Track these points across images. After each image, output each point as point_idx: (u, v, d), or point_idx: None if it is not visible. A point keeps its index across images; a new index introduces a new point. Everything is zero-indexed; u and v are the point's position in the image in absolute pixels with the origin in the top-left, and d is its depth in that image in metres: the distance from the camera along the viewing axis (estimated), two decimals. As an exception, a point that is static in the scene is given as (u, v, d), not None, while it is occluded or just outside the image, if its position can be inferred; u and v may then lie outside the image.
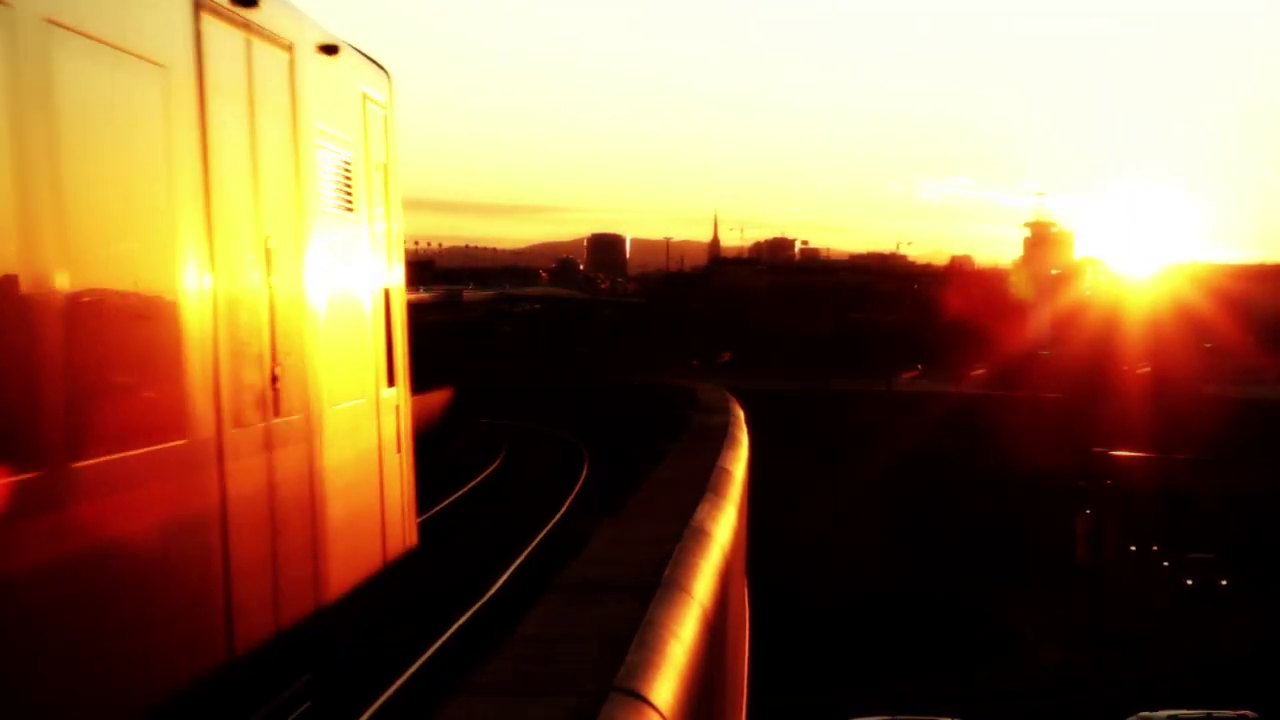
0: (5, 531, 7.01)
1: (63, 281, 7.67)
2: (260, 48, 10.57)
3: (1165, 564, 79.37)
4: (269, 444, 10.42)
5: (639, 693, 6.15)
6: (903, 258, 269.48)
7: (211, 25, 9.66)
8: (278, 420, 10.61)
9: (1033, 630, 67.05)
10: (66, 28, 7.80)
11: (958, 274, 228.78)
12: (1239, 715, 47.05)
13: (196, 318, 9.22)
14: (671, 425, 29.27)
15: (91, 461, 7.88)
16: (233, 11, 10.03)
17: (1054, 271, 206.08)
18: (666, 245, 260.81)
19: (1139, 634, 66.01)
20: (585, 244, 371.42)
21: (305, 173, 11.45)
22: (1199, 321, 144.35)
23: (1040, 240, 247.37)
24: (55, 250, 7.62)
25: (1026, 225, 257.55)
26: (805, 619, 61.68)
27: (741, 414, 28.44)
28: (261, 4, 10.45)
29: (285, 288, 10.82)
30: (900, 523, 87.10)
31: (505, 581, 24.38)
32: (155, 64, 8.88)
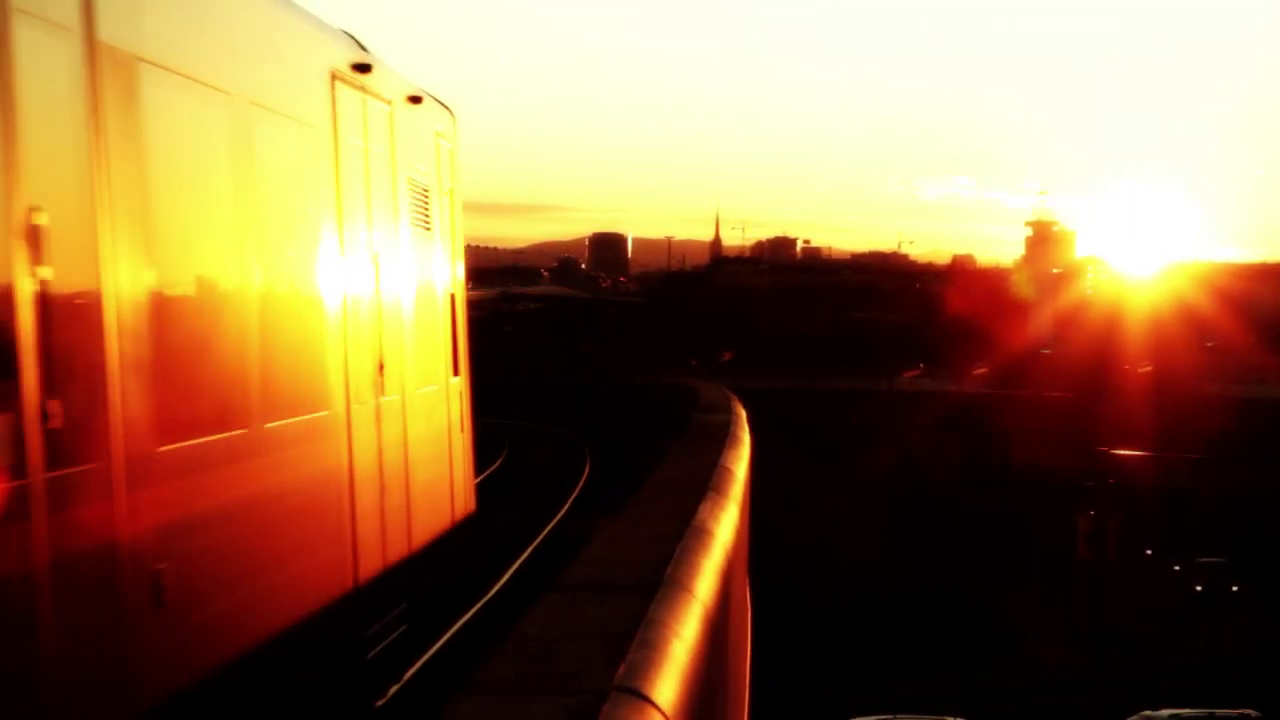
0: (225, 471, 9.58)
1: (260, 288, 10.23)
2: (371, 104, 13.14)
3: (1176, 568, 78.32)
4: (378, 418, 12.89)
5: (641, 691, 6.16)
6: (904, 257, 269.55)
7: (341, 90, 12.31)
8: (383, 399, 13.04)
9: (1034, 630, 67.09)
10: (264, 107, 10.50)
11: (959, 273, 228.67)
12: (1241, 714, 47.04)
13: (338, 315, 11.78)
14: (673, 424, 29.27)
15: (275, 424, 10.39)
16: (355, 78, 12.69)
17: (1055, 270, 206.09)
18: (668, 244, 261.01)
19: (1141, 633, 66.01)
20: (587, 243, 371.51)
21: (399, 200, 13.94)
22: (1201, 320, 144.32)
23: (1042, 239, 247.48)
24: (255, 262, 10.15)
25: (1028, 224, 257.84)
26: (807, 618, 61.68)
27: (743, 413, 28.42)
28: (378, 70, 13.22)
29: (388, 291, 13.30)
30: (902, 522, 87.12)
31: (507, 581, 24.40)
32: (310, 125, 11.60)
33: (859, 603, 67.68)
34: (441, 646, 15.00)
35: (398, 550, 13.31)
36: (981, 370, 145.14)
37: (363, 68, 12.88)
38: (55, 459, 7.16)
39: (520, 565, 19.63)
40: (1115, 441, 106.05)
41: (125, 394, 8.03)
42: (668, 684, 6.54)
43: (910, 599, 69.88)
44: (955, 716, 48.10)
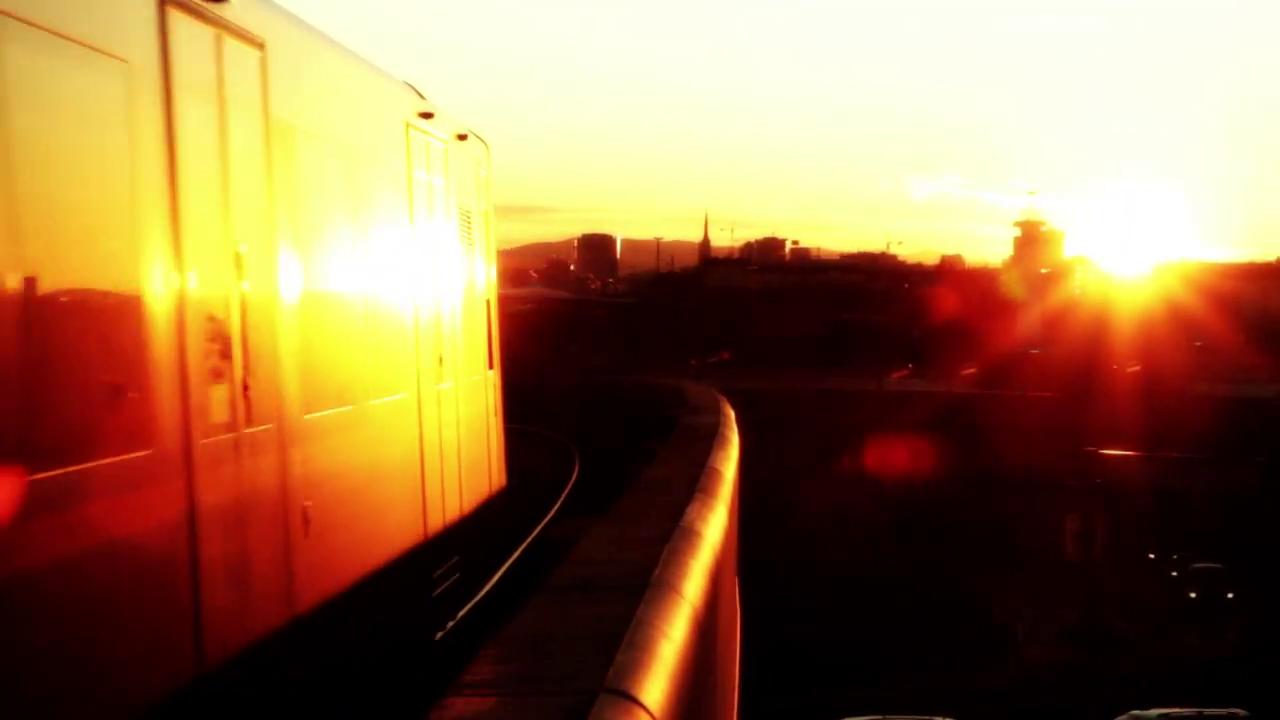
0: (343, 436, 12.22)
1: (366, 296, 13.11)
2: (432, 144, 15.89)
3: (1174, 574, 77.33)
4: (439, 402, 15.47)
5: (629, 693, 6.16)
6: (893, 257, 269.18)
7: (412, 135, 15.12)
8: (441, 387, 15.60)
9: (1024, 628, 67.16)
10: (365, 154, 13.62)
11: (948, 273, 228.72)
12: (1230, 714, 47.08)
13: (413, 316, 14.62)
14: (661, 425, 29.26)
15: (374, 402, 13.19)
16: (420, 124, 15.44)
17: (1044, 270, 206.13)
18: (657, 245, 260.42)
19: (1130, 633, 66.08)
20: (575, 244, 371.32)
21: (451, 221, 16.64)
22: (1189, 320, 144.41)
23: (1030, 239, 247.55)
24: (362, 275, 13.08)
25: (1016, 224, 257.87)
26: (797, 618, 61.71)
27: (731, 414, 28.43)
28: (437, 116, 16.11)
29: (444, 297, 16.01)
30: (891, 522, 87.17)
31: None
32: (392, 165, 14.41)
33: (848, 603, 67.72)
34: (482, 596, 17.88)
35: (453, 512, 15.96)
36: (970, 370, 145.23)
37: (427, 115, 15.76)
38: (250, 420, 9.57)
39: (510, 567, 20.18)
40: (1104, 441, 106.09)
41: (286, 374, 10.60)
42: (656, 685, 6.54)
43: (900, 599, 69.92)
44: (945, 716, 48.14)
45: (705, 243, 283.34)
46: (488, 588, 18.28)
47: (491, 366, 18.92)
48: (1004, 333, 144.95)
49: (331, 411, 11.65)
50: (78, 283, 7.23)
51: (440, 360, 15.60)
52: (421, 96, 15.88)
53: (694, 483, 13.96)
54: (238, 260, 9.47)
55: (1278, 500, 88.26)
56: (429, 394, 15.08)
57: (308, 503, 10.83)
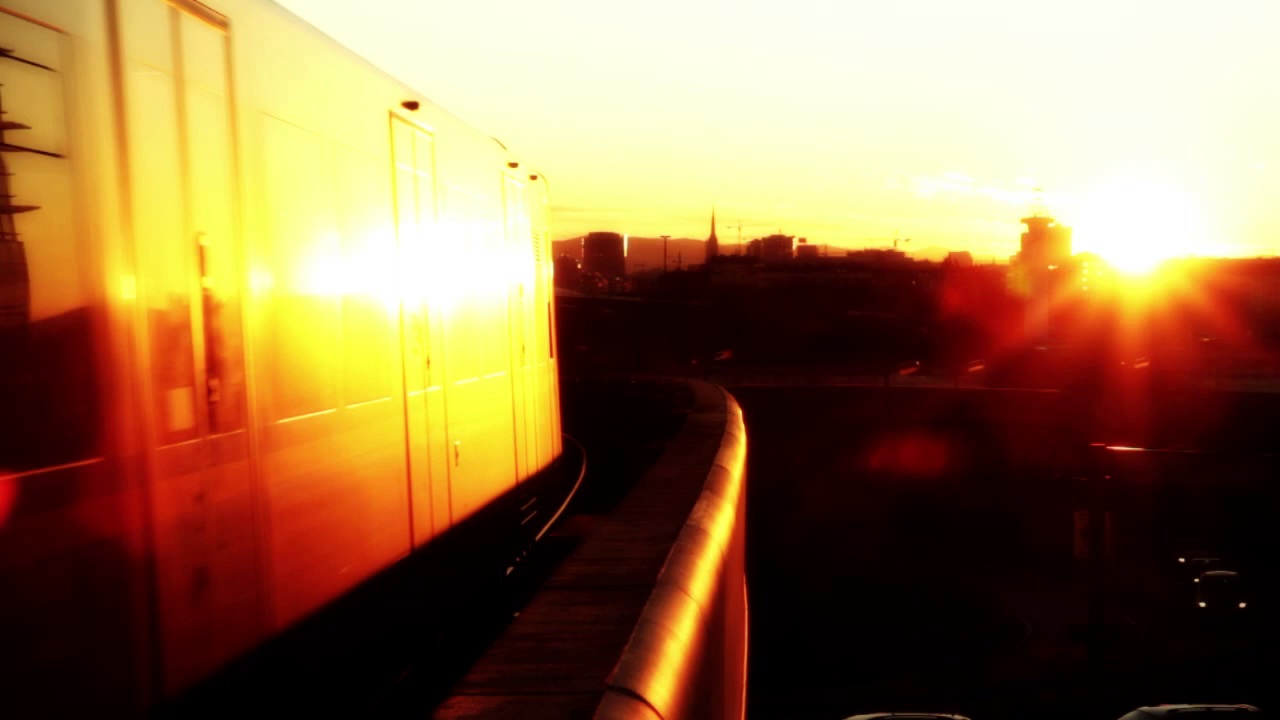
0: (476, 398, 16.64)
1: (464, 301, 16.36)
2: (518, 186, 20.01)
3: (1194, 581, 75.45)
4: (524, 379, 19.71)
5: (635, 691, 6.14)
6: (900, 254, 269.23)
7: (507, 181, 19.30)
8: (523, 368, 19.62)
9: (1032, 625, 67.09)
10: (523, 229, 19.95)
11: (955, 270, 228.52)
12: (1239, 710, 47.00)
13: (511, 315, 18.86)
14: (669, 423, 29.24)
15: (488, 377, 17.38)
16: (511, 171, 19.60)
17: (1051, 267, 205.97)
18: (664, 244, 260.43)
19: (1139, 628, 65.99)
20: (582, 243, 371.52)
21: (529, 243, 20.84)
22: (1196, 316, 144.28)
23: (1037, 236, 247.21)
24: (453, 283, 15.72)
25: (1023, 221, 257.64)
26: (805, 615, 61.71)
27: (739, 412, 28.38)
28: (520, 165, 20.18)
29: (525, 300, 20.05)
30: (899, 519, 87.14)
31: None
32: (497, 206, 18.73)
33: (856, 600, 67.71)
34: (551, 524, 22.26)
35: (533, 467, 20.25)
36: (977, 367, 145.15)
37: (515, 165, 19.91)
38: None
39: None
40: (1111, 437, 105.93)
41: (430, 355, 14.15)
42: (662, 684, 6.52)
43: (908, 596, 69.92)
44: (954, 713, 48.09)
45: (712, 241, 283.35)
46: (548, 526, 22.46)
47: (552, 355, 23.24)
48: (1011, 329, 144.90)
49: (472, 380, 16.30)
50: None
51: (524, 349, 19.94)
52: (503, 146, 19.77)
53: (701, 481, 13.94)
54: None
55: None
56: (518, 373, 19.29)
57: (456, 443, 15.03)
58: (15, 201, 6.61)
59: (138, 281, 7.48)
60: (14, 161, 6.57)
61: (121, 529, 7.29)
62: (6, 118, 6.54)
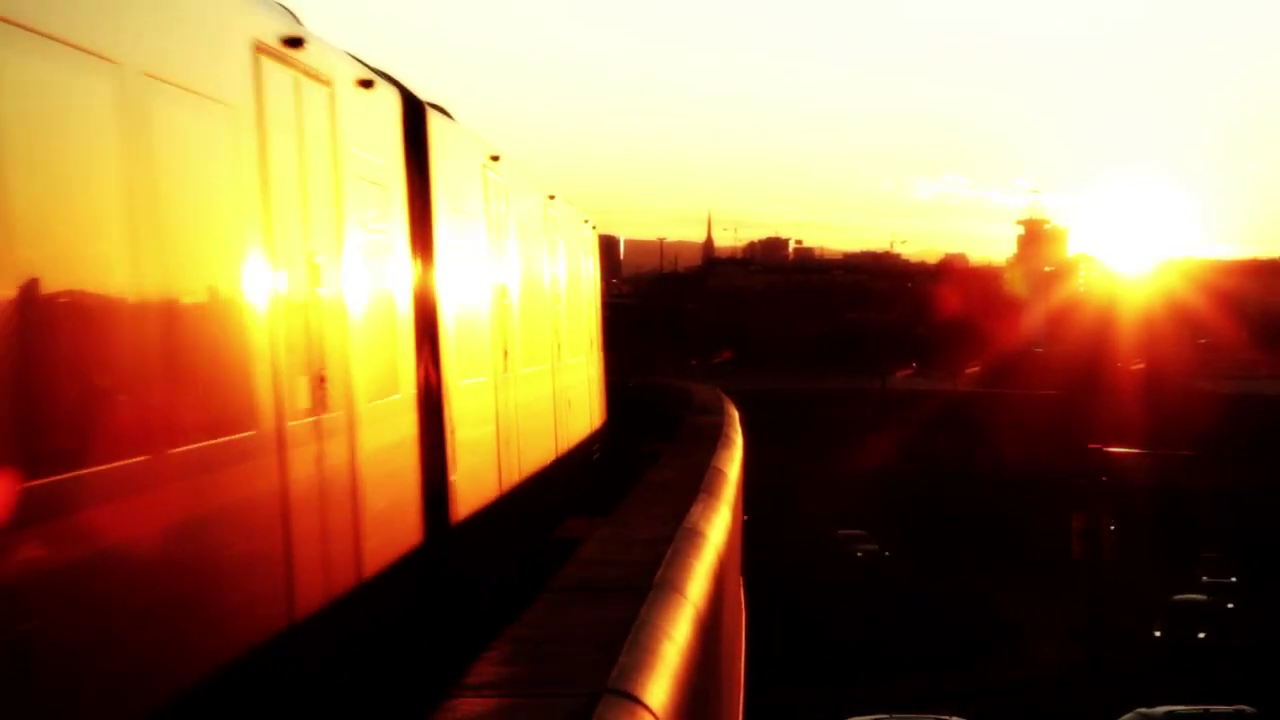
0: (528, 387, 19.55)
1: (541, 308, 21.58)
2: (587, 231, 27.88)
3: (1206, 597, 71.92)
4: (564, 369, 23.18)
5: (632, 694, 6.14)
6: (896, 256, 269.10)
7: (584, 230, 27.34)
8: (568, 360, 23.58)
9: (1030, 627, 67.07)
10: (577, 250, 26.74)
11: (951, 272, 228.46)
12: (1236, 710, 47.00)
13: (561, 315, 22.97)
14: (666, 425, 29.26)
15: (568, 360, 23.81)
16: (586, 226, 27.72)
17: (1047, 268, 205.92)
18: (660, 246, 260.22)
19: (1137, 630, 65.95)
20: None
21: (588, 264, 27.76)
22: (1193, 317, 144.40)
23: (1033, 237, 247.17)
24: (514, 295, 18.89)
25: (1019, 222, 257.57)
26: (802, 617, 61.68)
27: (735, 414, 28.41)
28: (589, 220, 28.34)
29: (577, 308, 25.37)
30: (896, 521, 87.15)
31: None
32: (584, 257, 27.33)
33: (853, 601, 67.67)
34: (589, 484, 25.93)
35: (574, 439, 24.25)
36: (974, 369, 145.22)
37: (586, 221, 28.10)
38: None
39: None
40: (1108, 439, 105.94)
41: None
42: (660, 686, 6.53)
43: (905, 597, 69.88)
44: (951, 715, 48.08)
45: (709, 243, 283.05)
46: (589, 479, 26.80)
47: (600, 351, 30.02)
48: (1008, 331, 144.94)
49: (537, 368, 20.22)
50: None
51: (595, 349, 28.82)
52: (551, 196, 23.66)
53: (698, 483, 13.95)
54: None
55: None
56: (567, 364, 23.69)
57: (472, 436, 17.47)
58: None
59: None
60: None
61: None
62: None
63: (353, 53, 12.37)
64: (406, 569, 12.29)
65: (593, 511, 19.89)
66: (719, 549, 11.27)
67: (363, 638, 10.97)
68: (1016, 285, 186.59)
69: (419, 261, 13.41)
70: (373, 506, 11.25)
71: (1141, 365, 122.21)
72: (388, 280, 12.32)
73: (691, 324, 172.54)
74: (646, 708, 6.11)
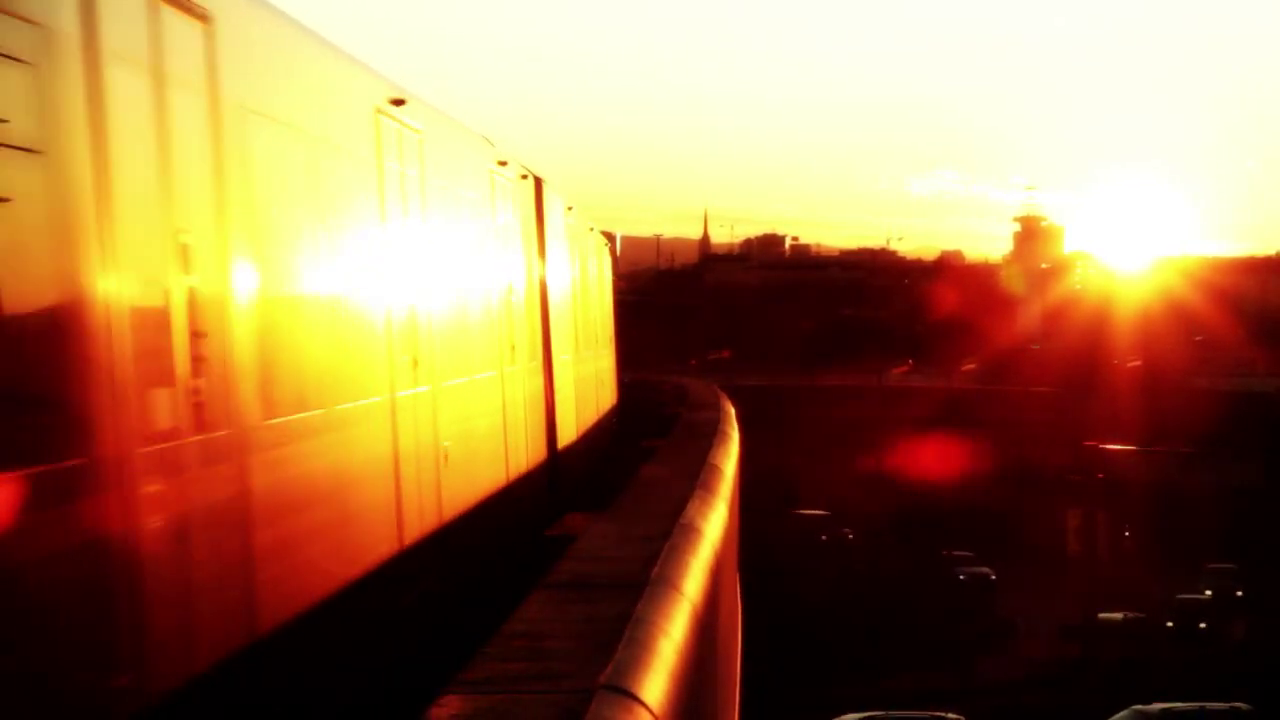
0: (576, 369, 25.96)
1: (569, 304, 25.77)
2: (599, 243, 33.64)
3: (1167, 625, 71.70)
4: (599, 356, 30.67)
5: (628, 690, 6.13)
6: (893, 253, 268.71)
7: (597, 241, 33.52)
8: (601, 350, 31.23)
9: (1026, 623, 67.13)
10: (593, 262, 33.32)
11: (948, 269, 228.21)
12: (1232, 708, 47.07)
13: (591, 314, 29.21)
14: (662, 422, 29.27)
15: (587, 352, 28.23)
16: (601, 238, 34.94)
17: (1044, 266, 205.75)
18: (657, 242, 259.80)
19: (1134, 627, 65.98)
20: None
21: (605, 268, 33.75)
22: (1189, 315, 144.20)
23: (1030, 235, 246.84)
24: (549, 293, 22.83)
25: (1016, 220, 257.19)
26: (798, 613, 61.70)
27: (732, 410, 28.43)
28: (607, 240, 36.98)
29: (599, 310, 31.23)
30: (892, 517, 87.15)
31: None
32: (604, 272, 34.34)
33: (850, 598, 67.70)
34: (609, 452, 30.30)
35: (599, 412, 30.23)
36: (970, 366, 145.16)
37: (606, 233, 35.37)
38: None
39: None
40: (1104, 436, 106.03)
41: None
42: (655, 682, 6.52)
43: (901, 594, 69.91)
44: (948, 711, 48.11)
45: (705, 239, 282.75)
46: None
47: (613, 344, 35.40)
48: (1004, 328, 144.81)
49: (569, 355, 23.95)
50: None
51: (610, 341, 34.24)
52: (568, 208, 26.07)
53: (694, 479, 13.95)
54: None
55: (1278, 494, 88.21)
56: (590, 353, 28.06)
57: (560, 396, 22.33)
58: None
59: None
60: None
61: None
62: None
63: (524, 163, 20.60)
64: (540, 468, 20.07)
65: (589, 508, 19.81)
66: (715, 545, 11.27)
67: (534, 493, 19.57)
68: (1013, 282, 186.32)
69: (541, 279, 20.91)
70: (533, 426, 19.64)
71: (1138, 362, 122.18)
72: (530, 290, 19.88)
73: (688, 320, 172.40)
74: (643, 704, 6.10)
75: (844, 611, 65.12)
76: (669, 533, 10.24)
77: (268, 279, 9.52)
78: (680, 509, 11.59)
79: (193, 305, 8.21)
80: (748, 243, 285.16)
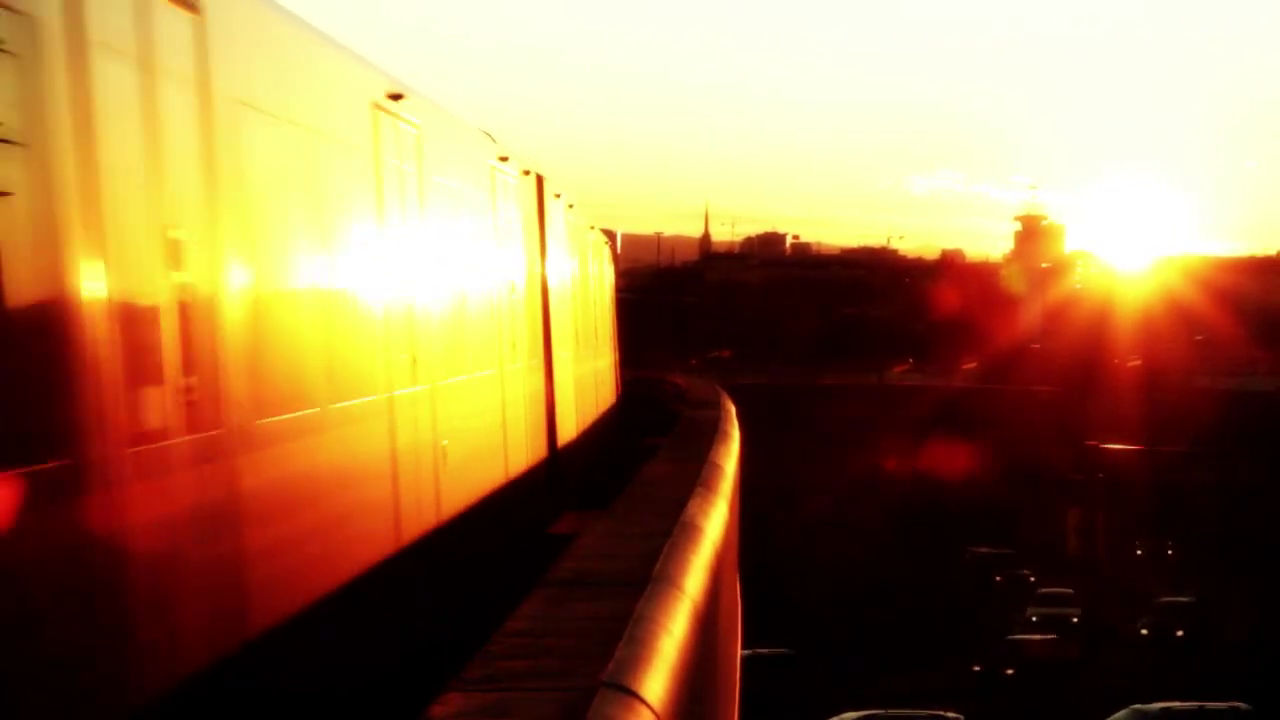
0: (581, 366, 26.53)
1: (574, 303, 26.88)
2: (602, 243, 34.35)
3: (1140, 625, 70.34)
4: (600, 354, 30.98)
5: (629, 687, 6.14)
6: (894, 252, 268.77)
7: (599, 240, 33.81)
8: (601, 348, 31.38)
9: (1025, 621, 67.07)
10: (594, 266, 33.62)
11: (949, 268, 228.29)
12: (1231, 707, 47.09)
13: (596, 314, 30.50)
14: (662, 420, 29.28)
15: (586, 351, 27.84)
16: (602, 238, 34.73)
17: (1044, 265, 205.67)
18: (658, 240, 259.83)
19: (1132, 626, 66.00)
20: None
21: (605, 266, 34.28)
22: (1190, 314, 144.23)
23: (1031, 234, 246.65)
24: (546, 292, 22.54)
25: (1017, 219, 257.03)
26: (798, 611, 61.72)
27: (732, 408, 28.42)
28: (607, 239, 36.96)
29: (600, 308, 31.56)
30: (893, 516, 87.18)
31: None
32: (603, 273, 34.40)
33: (850, 596, 67.71)
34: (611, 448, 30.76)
35: (602, 407, 30.72)
36: (971, 365, 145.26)
37: (607, 230, 36.38)
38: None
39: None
40: (1105, 436, 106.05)
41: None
42: (656, 680, 6.52)
43: (902, 592, 69.93)
44: (947, 710, 48.13)
45: (706, 238, 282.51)
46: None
47: (614, 342, 36.27)
48: (1005, 327, 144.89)
49: (569, 354, 23.83)
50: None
51: (610, 339, 34.50)
52: (578, 215, 27.05)
53: (695, 478, 13.94)
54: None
55: (1278, 493, 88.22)
56: (590, 350, 28.46)
57: (560, 395, 22.33)
58: None
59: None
60: None
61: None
62: None
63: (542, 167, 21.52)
64: (540, 466, 20.19)
65: (590, 506, 19.80)
66: (716, 543, 11.27)
67: (534, 492, 19.64)
68: (1014, 281, 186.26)
69: (541, 276, 21.16)
70: (534, 424, 19.90)
71: (1139, 362, 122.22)
72: (531, 288, 20.07)
73: (689, 319, 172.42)
74: (643, 701, 6.11)
75: (844, 608, 65.16)
76: (670, 531, 10.25)
77: (261, 276, 9.41)
78: (681, 507, 11.59)
79: (183, 302, 8.05)
80: (748, 241, 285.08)
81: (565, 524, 20.99)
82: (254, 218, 9.36)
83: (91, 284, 6.97)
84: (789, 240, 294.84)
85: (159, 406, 7.71)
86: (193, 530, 8.04)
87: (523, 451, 18.83)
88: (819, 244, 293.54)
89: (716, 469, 15.61)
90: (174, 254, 8.03)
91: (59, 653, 6.65)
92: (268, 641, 9.15)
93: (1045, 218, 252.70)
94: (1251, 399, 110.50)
